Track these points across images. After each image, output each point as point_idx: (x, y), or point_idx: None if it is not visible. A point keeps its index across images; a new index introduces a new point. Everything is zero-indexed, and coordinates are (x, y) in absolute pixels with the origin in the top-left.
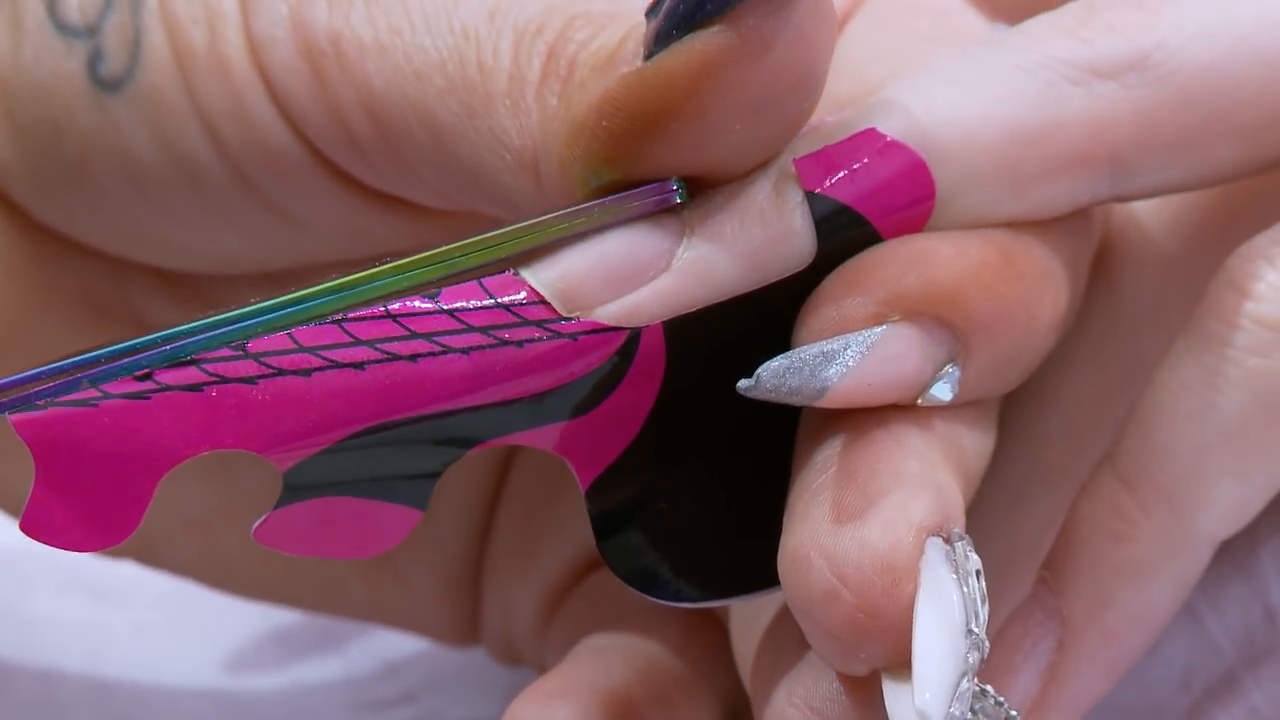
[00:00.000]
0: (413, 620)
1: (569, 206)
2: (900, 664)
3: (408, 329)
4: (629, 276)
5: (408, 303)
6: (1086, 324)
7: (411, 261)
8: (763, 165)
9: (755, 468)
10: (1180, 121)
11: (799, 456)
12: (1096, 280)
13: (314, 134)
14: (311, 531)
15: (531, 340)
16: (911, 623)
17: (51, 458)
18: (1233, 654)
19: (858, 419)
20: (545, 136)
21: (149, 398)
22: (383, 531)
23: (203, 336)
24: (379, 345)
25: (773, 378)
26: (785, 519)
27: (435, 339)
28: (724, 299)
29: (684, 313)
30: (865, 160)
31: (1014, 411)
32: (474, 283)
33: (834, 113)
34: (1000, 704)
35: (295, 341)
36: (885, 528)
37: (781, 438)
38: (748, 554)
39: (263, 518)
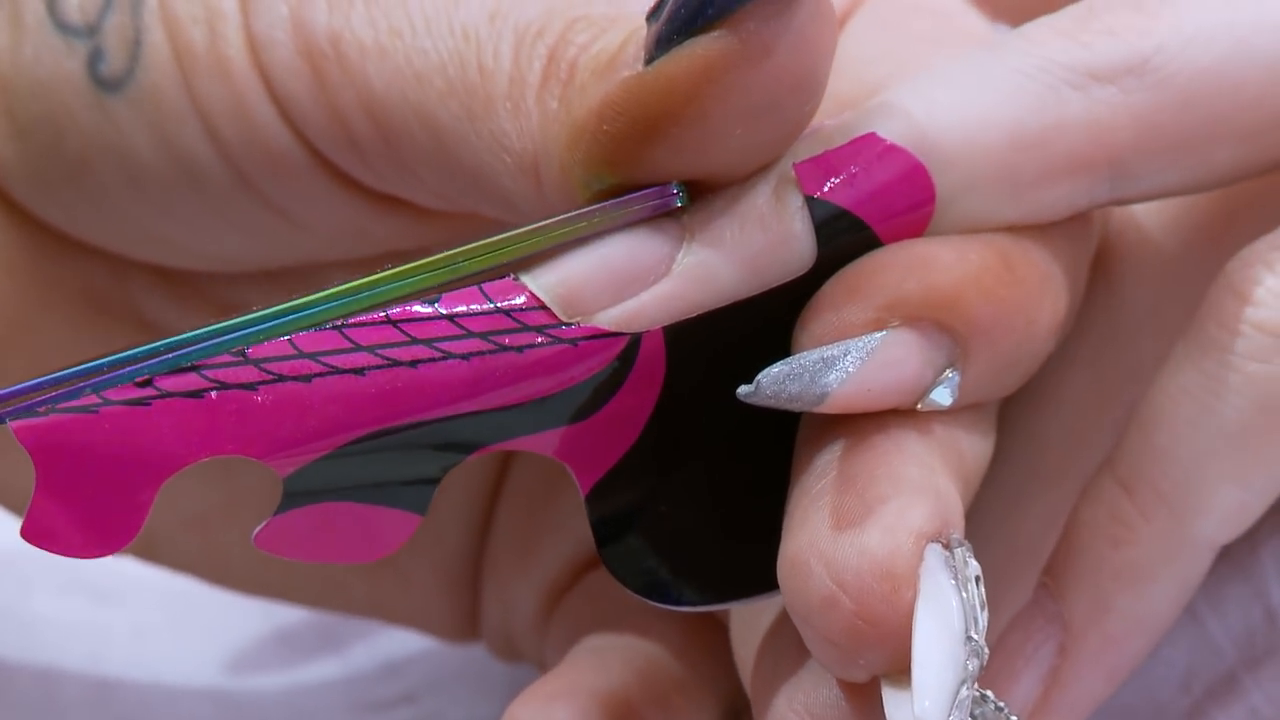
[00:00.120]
0: (413, 616)
1: (569, 210)
2: (900, 671)
3: (408, 335)
4: (629, 281)
5: (408, 308)
6: (1086, 326)
7: (412, 267)
8: (763, 169)
9: (755, 472)
10: (1179, 125)
11: (798, 461)
12: (1096, 282)
13: (314, 135)
14: (311, 537)
15: (532, 346)
16: (911, 629)
17: (52, 464)
18: (1233, 655)
19: (857, 424)
20: (546, 140)
21: (149, 404)
22: (382, 537)
23: (203, 344)
24: (379, 351)
25: (773, 384)
26: (785, 524)
27: (435, 345)
28: (724, 304)
29: (684, 318)
30: (865, 164)
31: (1013, 414)
32: (474, 288)
33: (833, 114)
34: (1000, 709)
35: (295, 347)
36: (884, 534)
37: (781, 442)
38: (748, 558)
39: (263, 524)
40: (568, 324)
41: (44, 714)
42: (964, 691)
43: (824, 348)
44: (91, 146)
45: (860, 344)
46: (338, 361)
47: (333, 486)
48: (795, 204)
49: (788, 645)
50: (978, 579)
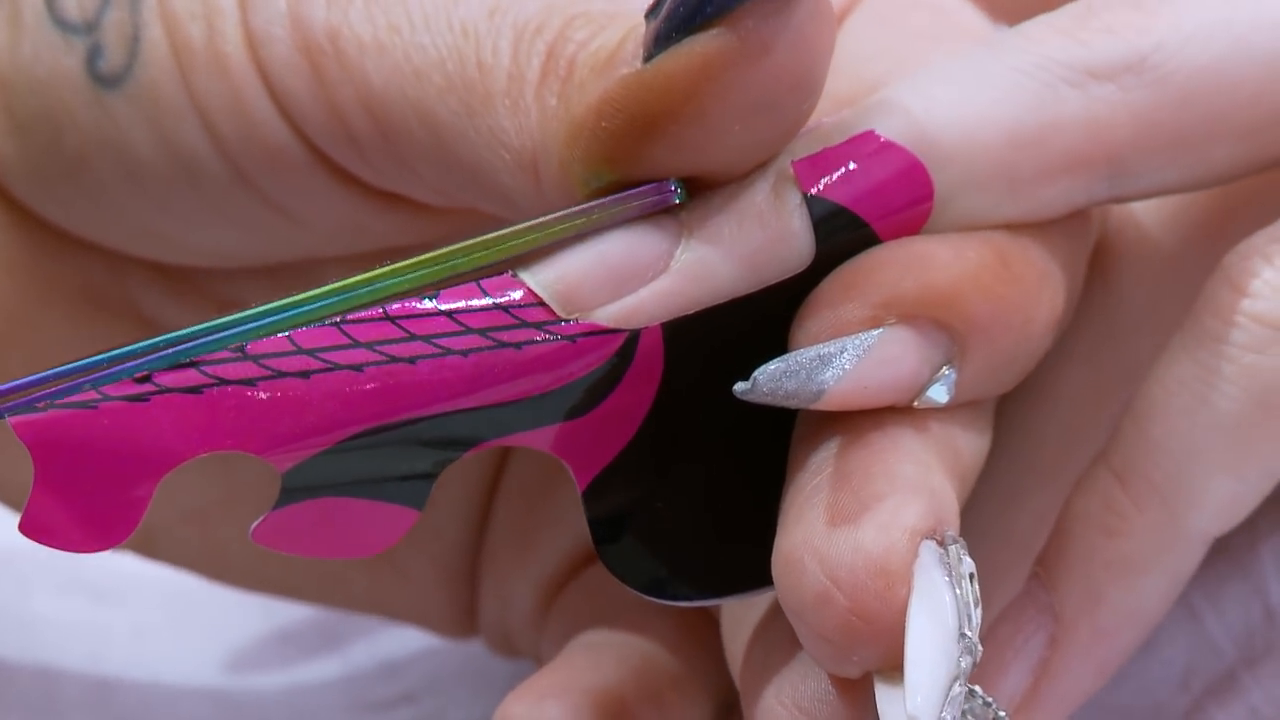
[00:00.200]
0: (411, 611)
1: (568, 207)
2: (892, 667)
3: (406, 331)
4: (627, 278)
5: (406, 305)
6: (1083, 323)
7: (410, 264)
8: (761, 167)
9: (752, 468)
10: (1178, 123)
11: (795, 458)
12: (1093, 279)
13: (312, 131)
14: (309, 532)
15: (530, 342)
16: (904, 626)
17: (51, 459)
18: (1232, 653)
19: (854, 421)
20: (544, 136)
21: (148, 400)
22: (380, 532)
23: (202, 340)
24: (378, 347)
25: (769, 381)
26: (780, 521)
27: (434, 341)
28: (723, 301)
29: (683, 314)
30: (863, 162)
31: (1010, 410)
32: (473, 284)
33: (831, 111)
34: (989, 704)
35: (294, 344)
36: (879, 531)
37: (779, 439)
38: (744, 553)
39: (261, 519)
40: (566, 320)
41: (44, 714)
42: (956, 688)
43: (821, 345)
44: (90, 143)
45: (857, 341)
46: (336, 357)
47: (331, 482)
48: (794, 201)
49: (778, 639)
50: (972, 576)
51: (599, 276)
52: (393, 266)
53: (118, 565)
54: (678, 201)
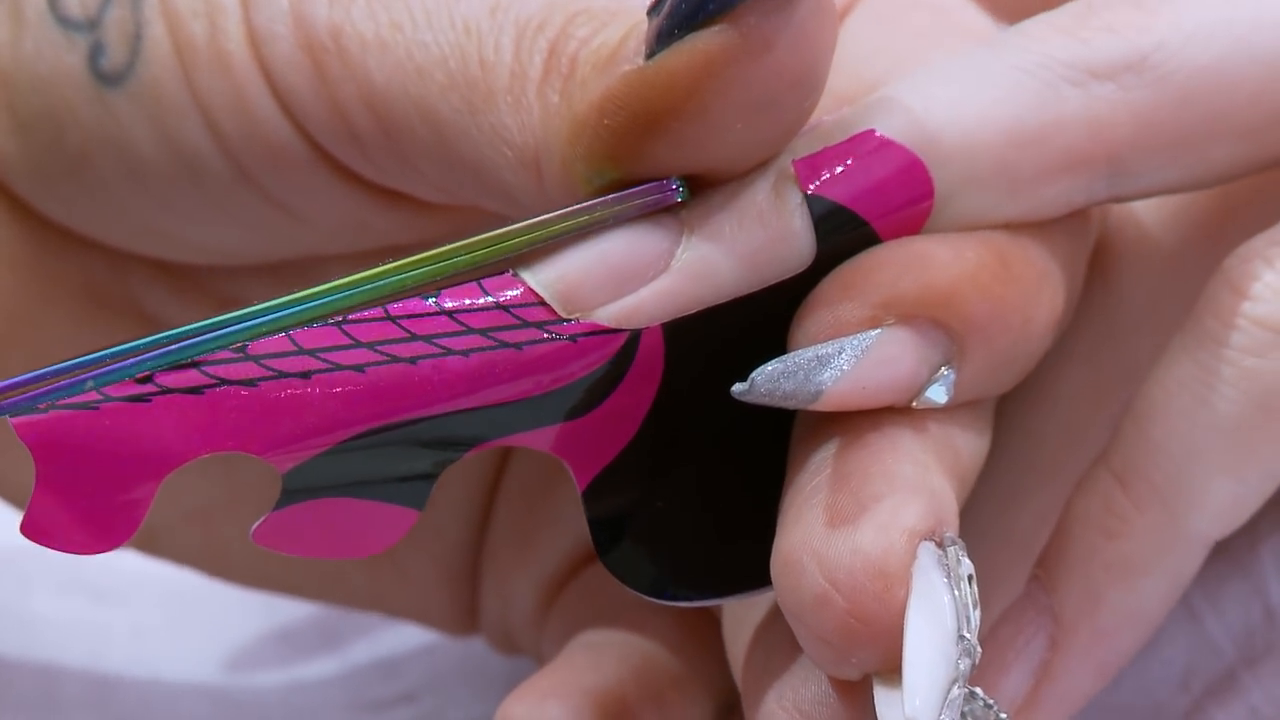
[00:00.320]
0: (412, 609)
1: (570, 205)
2: (891, 669)
3: (407, 331)
4: (628, 277)
5: (407, 304)
6: (1083, 322)
7: (412, 261)
8: (762, 165)
9: (753, 468)
10: (1178, 122)
11: (794, 458)
12: (1094, 279)
13: (315, 129)
14: (309, 533)
15: (531, 342)
16: (903, 628)
17: (52, 461)
18: (1232, 653)
19: (852, 422)
20: (547, 134)
21: (149, 400)
22: (380, 532)
23: (203, 338)
24: (379, 347)
25: (767, 382)
26: (779, 522)
27: (435, 341)
28: (723, 300)
29: (683, 314)
30: (864, 161)
31: (1009, 410)
32: (474, 284)
33: (832, 109)
34: (990, 706)
35: (295, 344)
36: (878, 532)
37: (779, 438)
38: (745, 553)
39: (261, 519)
40: (567, 320)
41: (44, 713)
42: (955, 691)
43: (819, 345)
44: (92, 141)
45: (855, 342)
46: (337, 358)
47: (331, 483)
48: (794, 200)
49: (778, 641)
50: (971, 578)
51: (600, 276)
52: (395, 264)
53: (118, 565)
54: (680, 200)
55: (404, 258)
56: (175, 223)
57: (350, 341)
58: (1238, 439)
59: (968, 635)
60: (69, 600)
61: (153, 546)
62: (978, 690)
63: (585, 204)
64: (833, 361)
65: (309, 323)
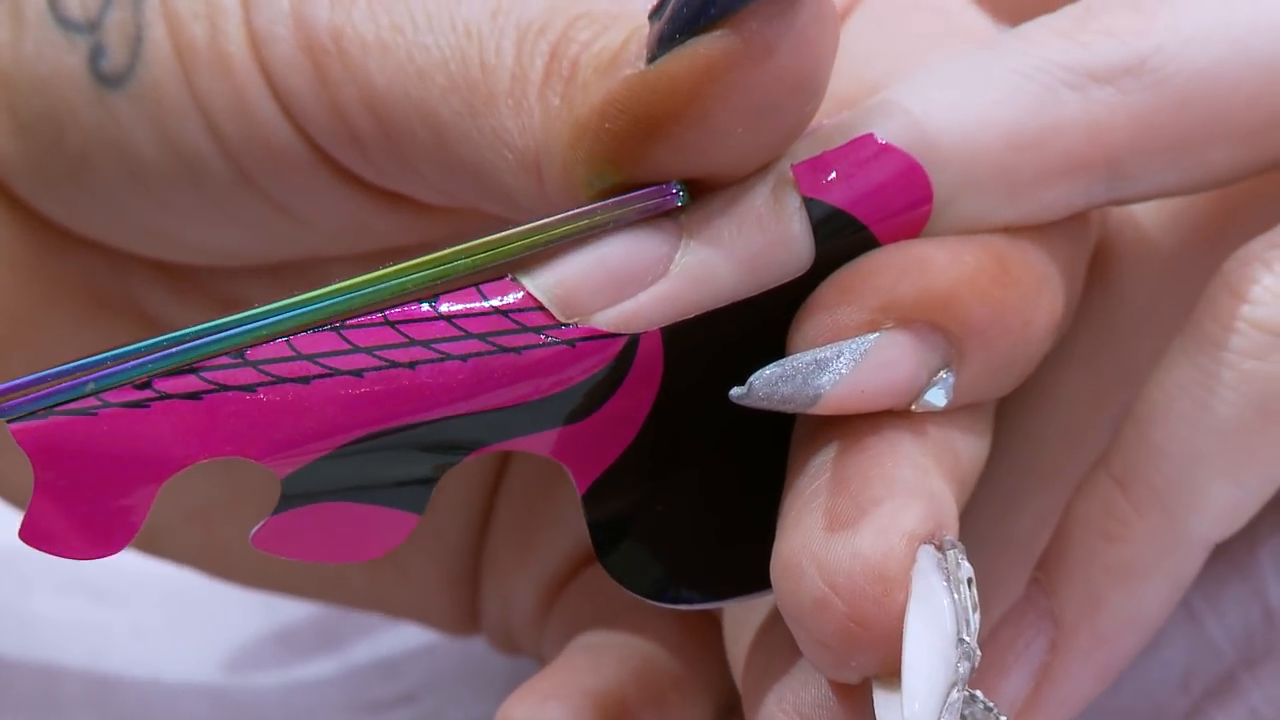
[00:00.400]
0: (413, 610)
1: (571, 208)
2: (891, 673)
3: (406, 336)
4: (627, 282)
5: (406, 309)
6: (1083, 325)
7: (412, 264)
8: (761, 170)
9: (752, 471)
10: (1177, 125)
11: (793, 462)
12: (1093, 281)
13: (315, 131)
14: (309, 537)
15: (530, 347)
16: (902, 632)
17: (51, 466)
18: (1232, 655)
19: (852, 425)
20: (547, 137)
21: (148, 406)
22: (380, 536)
23: (201, 341)
24: (377, 352)
25: (765, 386)
26: (779, 526)
27: (434, 346)
28: (723, 305)
29: (682, 318)
30: (863, 165)
31: (1009, 413)
32: (472, 289)
33: (832, 112)
34: (990, 709)
35: (294, 349)
36: (877, 536)
37: (778, 442)
38: (745, 556)
39: (260, 524)
40: (565, 325)
41: (44, 713)
42: (954, 694)
43: (817, 349)
44: (93, 142)
45: (854, 345)
46: (336, 363)
47: (330, 487)
48: (793, 205)
49: (778, 644)
50: (970, 581)
51: (598, 280)
52: (394, 268)
53: (118, 565)
54: (680, 204)
55: (403, 261)
56: (176, 224)
57: (349, 347)
58: (1238, 442)
59: (967, 639)
60: (69, 600)
61: (153, 547)
62: (978, 693)
63: (585, 208)
64: (831, 365)
65: (308, 327)
